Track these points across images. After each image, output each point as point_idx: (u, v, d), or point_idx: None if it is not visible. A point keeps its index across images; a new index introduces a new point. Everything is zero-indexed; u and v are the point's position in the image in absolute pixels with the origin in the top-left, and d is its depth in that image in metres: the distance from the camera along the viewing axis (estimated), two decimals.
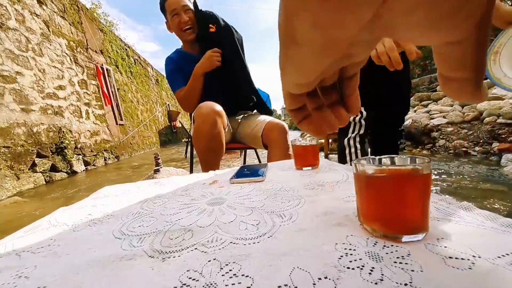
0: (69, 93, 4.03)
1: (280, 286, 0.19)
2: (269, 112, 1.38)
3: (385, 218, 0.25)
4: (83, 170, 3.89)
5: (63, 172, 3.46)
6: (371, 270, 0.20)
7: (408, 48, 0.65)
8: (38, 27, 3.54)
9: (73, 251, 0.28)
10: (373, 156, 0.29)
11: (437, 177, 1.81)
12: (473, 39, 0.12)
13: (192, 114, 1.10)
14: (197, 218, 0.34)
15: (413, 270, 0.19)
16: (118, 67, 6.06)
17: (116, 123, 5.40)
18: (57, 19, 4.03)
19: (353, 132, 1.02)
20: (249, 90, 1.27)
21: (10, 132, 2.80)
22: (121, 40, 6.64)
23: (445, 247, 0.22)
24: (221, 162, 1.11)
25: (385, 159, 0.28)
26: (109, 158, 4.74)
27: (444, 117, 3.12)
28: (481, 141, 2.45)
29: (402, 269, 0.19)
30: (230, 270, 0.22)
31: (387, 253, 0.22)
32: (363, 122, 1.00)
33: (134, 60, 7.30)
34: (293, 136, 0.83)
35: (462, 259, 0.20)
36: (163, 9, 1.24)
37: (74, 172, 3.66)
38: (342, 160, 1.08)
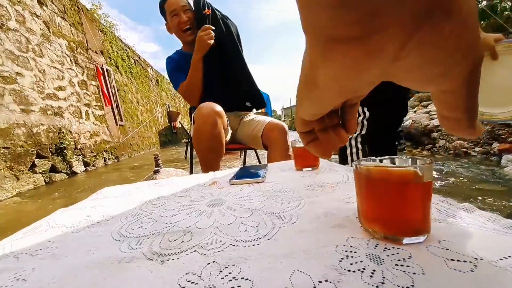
0: (69, 94, 4.03)
1: None
2: (263, 104, 1.38)
3: (386, 220, 0.24)
4: (83, 171, 3.89)
5: (63, 173, 3.46)
6: (372, 273, 0.19)
7: None
8: (38, 27, 3.54)
9: (72, 253, 0.28)
10: (374, 157, 0.29)
11: (438, 177, 1.81)
12: (463, 89, 0.14)
13: (192, 115, 1.10)
14: (197, 219, 0.34)
15: (414, 273, 0.19)
16: (118, 68, 6.06)
17: (116, 124, 5.39)
18: (58, 20, 4.03)
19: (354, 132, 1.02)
20: (246, 80, 1.25)
21: (10, 132, 2.80)
22: (121, 40, 6.65)
23: (446, 249, 0.21)
24: (221, 163, 1.11)
25: (386, 160, 0.28)
26: (109, 158, 4.73)
27: None
28: (481, 141, 2.45)
29: (404, 271, 0.19)
30: (230, 273, 0.21)
31: (388, 256, 0.21)
32: (365, 122, 1.00)
33: (134, 61, 7.31)
34: (293, 136, 0.83)
35: (464, 261, 0.20)
36: (162, 10, 1.24)
37: (74, 173, 3.66)
38: (343, 160, 1.08)
